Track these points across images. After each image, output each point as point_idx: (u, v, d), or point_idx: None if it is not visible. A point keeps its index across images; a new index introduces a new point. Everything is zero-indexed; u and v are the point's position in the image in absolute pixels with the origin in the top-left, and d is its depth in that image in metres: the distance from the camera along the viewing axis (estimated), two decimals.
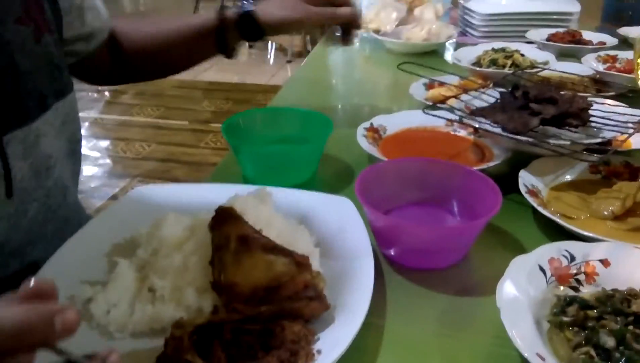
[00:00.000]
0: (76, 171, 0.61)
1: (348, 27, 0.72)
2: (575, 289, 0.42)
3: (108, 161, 2.29)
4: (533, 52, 0.94)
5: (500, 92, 0.69)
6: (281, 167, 0.61)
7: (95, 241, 0.46)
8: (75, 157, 0.59)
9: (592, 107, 0.64)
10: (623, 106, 0.68)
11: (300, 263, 0.37)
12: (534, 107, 0.62)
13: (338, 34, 0.80)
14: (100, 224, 0.49)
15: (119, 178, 2.15)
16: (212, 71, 3.12)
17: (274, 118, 0.68)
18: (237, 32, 0.69)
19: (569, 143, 0.58)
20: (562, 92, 0.67)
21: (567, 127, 0.62)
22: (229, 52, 0.71)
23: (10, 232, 0.49)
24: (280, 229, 0.45)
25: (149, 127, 2.53)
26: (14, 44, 0.49)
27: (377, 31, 1.13)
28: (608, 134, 0.59)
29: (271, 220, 0.45)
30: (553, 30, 1.10)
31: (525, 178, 0.56)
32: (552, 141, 0.57)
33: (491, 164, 0.59)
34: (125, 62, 0.72)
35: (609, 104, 0.69)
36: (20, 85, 0.49)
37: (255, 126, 0.67)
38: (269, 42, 3.55)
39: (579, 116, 0.62)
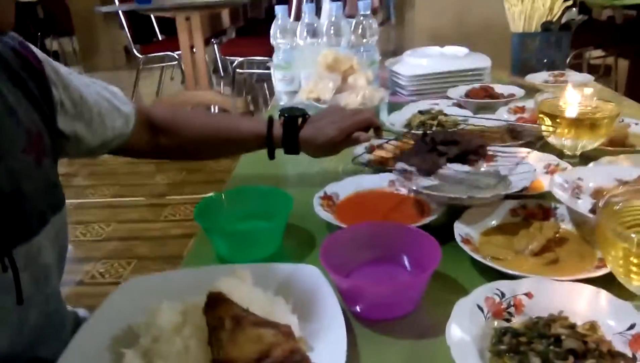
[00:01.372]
0: (62, 273, 0.66)
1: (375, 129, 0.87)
2: (508, 320, 0.52)
3: (69, 246, 2.27)
4: (454, 110, 1.08)
5: (414, 140, 0.80)
6: (251, 243, 0.68)
7: (97, 337, 0.51)
8: (63, 261, 0.65)
9: (494, 156, 0.77)
10: (522, 150, 0.81)
11: (285, 332, 0.45)
12: (440, 149, 0.74)
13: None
14: (98, 321, 0.54)
15: (82, 262, 2.13)
16: None
17: (239, 198, 0.76)
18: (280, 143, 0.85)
19: (490, 195, 0.69)
20: (463, 134, 0.79)
21: (469, 163, 0.74)
22: (271, 155, 0.87)
23: (14, 338, 0.54)
24: (262, 303, 0.52)
25: (105, 208, 2.53)
26: (20, 172, 0.56)
27: (317, 100, 1.25)
28: (520, 183, 0.71)
29: (252, 296, 0.52)
30: (470, 87, 1.26)
31: (459, 228, 0.66)
32: (477, 196, 0.69)
33: (430, 218, 0.70)
34: (176, 147, 0.88)
35: (512, 151, 0.81)
36: (25, 205, 0.56)
37: (223, 206, 0.74)
38: (212, 106, 3.66)
39: (477, 153, 0.74)
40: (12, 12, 0.50)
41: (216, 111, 3.59)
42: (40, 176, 0.60)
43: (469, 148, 0.73)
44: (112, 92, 0.78)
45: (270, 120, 0.86)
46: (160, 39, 4.13)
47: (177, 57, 3.71)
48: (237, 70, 3.45)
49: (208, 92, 3.59)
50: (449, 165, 0.74)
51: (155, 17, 4.01)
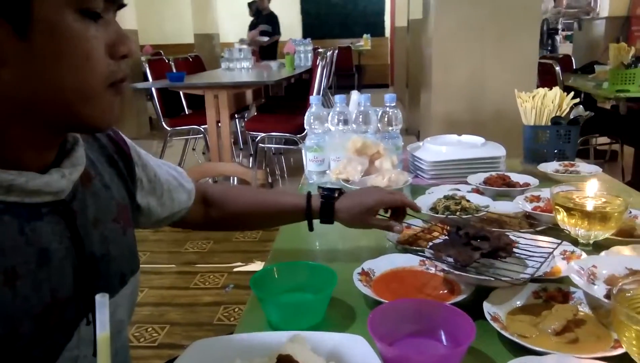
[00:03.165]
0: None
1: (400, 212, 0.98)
2: None
3: None
4: (475, 196, 1.19)
5: (448, 233, 0.90)
6: (300, 313, 0.77)
7: None
8: (131, 318, 0.74)
9: (517, 242, 0.87)
10: (542, 239, 0.90)
11: None
12: (474, 244, 0.83)
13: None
14: None
15: None
16: None
17: (288, 271, 0.84)
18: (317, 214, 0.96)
19: (513, 277, 0.78)
20: (492, 230, 0.88)
21: (498, 258, 0.83)
22: (310, 227, 0.98)
23: None
24: None
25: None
26: (110, 238, 0.66)
27: (346, 181, 1.37)
28: (541, 268, 0.79)
29: (312, 361, 0.60)
30: (487, 174, 1.37)
31: (488, 308, 0.74)
32: (503, 278, 0.77)
33: (462, 297, 0.78)
34: (225, 220, 0.98)
35: (533, 238, 0.91)
36: (111, 268, 0.66)
37: (274, 278, 0.83)
38: (231, 177, 3.81)
39: (505, 250, 0.83)
40: (118, 113, 0.61)
41: (236, 181, 3.74)
42: (124, 242, 0.70)
43: (499, 245, 0.82)
44: (178, 172, 0.91)
45: (309, 195, 0.97)
46: (187, 113, 4.38)
47: (202, 130, 3.92)
48: (259, 144, 3.62)
49: (230, 164, 3.76)
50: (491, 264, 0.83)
51: (183, 93, 4.28)
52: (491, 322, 0.70)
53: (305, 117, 1.53)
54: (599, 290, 0.75)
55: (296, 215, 0.97)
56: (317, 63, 3.72)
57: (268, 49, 7.41)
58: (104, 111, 0.55)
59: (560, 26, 8.42)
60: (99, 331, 0.33)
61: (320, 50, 4.57)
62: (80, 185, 0.63)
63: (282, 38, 7.48)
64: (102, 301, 0.34)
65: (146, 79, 4.10)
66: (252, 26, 7.59)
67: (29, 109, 0.52)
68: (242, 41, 7.67)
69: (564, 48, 7.91)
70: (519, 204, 1.13)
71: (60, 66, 0.50)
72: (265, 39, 7.35)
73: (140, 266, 0.75)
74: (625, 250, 0.89)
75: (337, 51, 5.71)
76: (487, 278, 0.78)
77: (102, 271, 0.64)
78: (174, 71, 4.23)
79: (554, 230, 1.00)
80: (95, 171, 0.67)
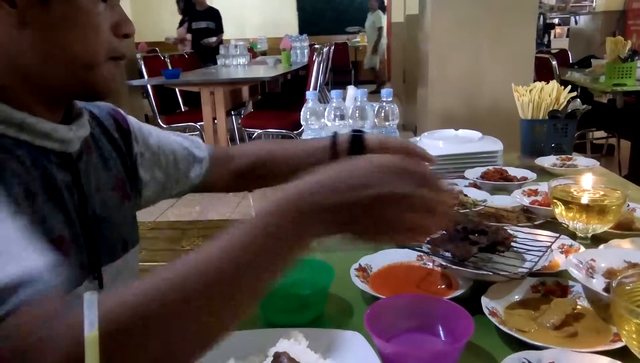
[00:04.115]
0: None
1: None
2: None
3: None
4: (472, 191, 1.18)
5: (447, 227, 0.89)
6: (297, 309, 0.76)
7: None
8: None
9: (514, 236, 0.86)
10: (540, 233, 0.90)
11: None
12: (472, 238, 0.83)
13: None
14: None
15: None
16: (176, 207, 3.28)
17: None
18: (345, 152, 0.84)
19: (512, 271, 0.77)
20: (490, 224, 0.88)
21: (496, 253, 0.82)
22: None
23: None
24: None
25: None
26: (110, 205, 0.71)
27: None
28: (540, 262, 0.79)
29: (307, 358, 0.59)
30: (485, 169, 1.36)
31: (486, 302, 0.73)
32: (501, 272, 0.77)
33: (459, 292, 0.77)
34: (249, 178, 0.94)
35: (530, 232, 0.90)
36: (112, 232, 0.70)
37: None
38: None
39: (503, 244, 0.82)
40: (117, 82, 0.66)
41: None
42: (124, 211, 0.75)
43: (497, 239, 0.81)
44: (190, 141, 0.91)
45: (334, 138, 0.87)
46: (183, 110, 4.36)
47: (198, 127, 3.90)
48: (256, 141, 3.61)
49: None
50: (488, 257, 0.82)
51: (179, 90, 4.26)
52: (489, 317, 0.70)
53: (302, 113, 1.51)
54: (597, 284, 0.75)
55: (322, 157, 0.86)
56: (314, 59, 3.70)
57: (211, 50, 6.00)
58: (105, 79, 0.63)
59: (556, 21, 8.42)
60: (87, 330, 0.32)
61: (316, 46, 4.55)
62: (84, 152, 0.68)
63: (279, 34, 7.40)
64: (90, 299, 0.33)
65: (142, 77, 4.08)
66: (184, 24, 6.40)
67: (40, 70, 0.59)
68: (167, 40, 6.92)
69: (561, 43, 7.91)
70: (516, 198, 1.12)
71: (72, 34, 0.58)
72: (213, 39, 6.18)
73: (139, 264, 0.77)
74: (624, 243, 0.89)
75: (333, 47, 5.70)
76: (485, 272, 0.77)
77: (105, 234, 0.69)
78: (170, 68, 4.21)
79: (552, 224, 1.00)
80: (95, 145, 0.72)
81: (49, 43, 0.58)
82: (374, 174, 0.50)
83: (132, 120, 0.83)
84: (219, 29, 6.25)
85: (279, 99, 4.84)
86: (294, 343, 0.60)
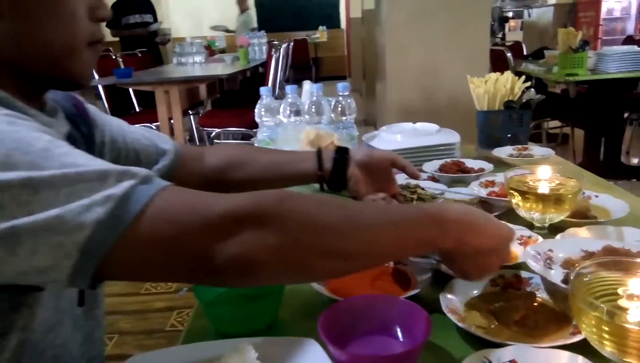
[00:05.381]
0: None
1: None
2: None
3: None
4: (428, 184, 1.16)
5: None
6: (249, 317, 0.71)
7: None
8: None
9: None
10: None
11: None
12: None
13: None
14: None
15: None
16: None
17: None
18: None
19: None
20: None
21: None
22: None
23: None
24: None
25: None
26: None
27: None
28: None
29: None
30: (442, 161, 1.35)
31: (445, 300, 0.71)
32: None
33: (416, 290, 0.74)
34: (223, 178, 0.92)
35: None
36: None
37: None
38: None
39: None
40: (92, 72, 0.66)
41: None
42: None
43: None
44: (155, 134, 0.88)
45: (319, 151, 0.95)
46: (137, 110, 4.22)
47: (154, 128, 3.78)
48: (215, 140, 3.53)
49: None
50: None
51: (133, 91, 4.12)
52: (448, 314, 0.67)
53: (256, 110, 1.46)
54: (556, 275, 0.73)
55: (307, 180, 0.97)
56: (272, 55, 3.64)
57: (157, 49, 5.49)
58: (83, 67, 0.62)
59: (510, 14, 8.62)
60: None
61: (275, 43, 4.49)
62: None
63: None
64: None
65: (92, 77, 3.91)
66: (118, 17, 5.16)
67: (18, 60, 0.58)
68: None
69: (515, 35, 8.11)
70: (474, 190, 1.11)
71: (49, 21, 0.57)
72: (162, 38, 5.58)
73: None
74: (581, 231, 0.88)
75: (292, 44, 5.64)
76: (430, 261, 0.76)
77: None
78: (122, 67, 4.06)
79: (509, 215, 0.99)
80: (73, 138, 0.70)
81: (25, 33, 0.57)
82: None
83: (91, 107, 0.80)
84: (155, 20, 5.47)
85: (238, 97, 4.74)
86: (243, 356, 0.56)
